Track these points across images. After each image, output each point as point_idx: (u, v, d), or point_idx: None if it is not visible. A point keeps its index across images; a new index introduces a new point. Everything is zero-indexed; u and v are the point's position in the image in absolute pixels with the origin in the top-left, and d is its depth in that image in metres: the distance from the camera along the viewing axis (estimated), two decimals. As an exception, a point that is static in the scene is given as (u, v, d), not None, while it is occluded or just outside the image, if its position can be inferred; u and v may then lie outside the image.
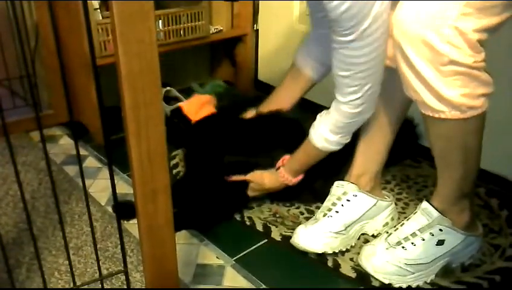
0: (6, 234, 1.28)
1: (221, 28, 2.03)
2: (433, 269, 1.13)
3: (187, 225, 1.33)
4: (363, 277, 1.15)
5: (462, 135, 1.02)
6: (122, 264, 0.92)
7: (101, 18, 1.64)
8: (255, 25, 2.13)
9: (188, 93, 1.91)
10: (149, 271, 0.93)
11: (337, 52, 1.06)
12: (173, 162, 1.63)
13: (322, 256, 1.21)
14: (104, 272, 1.16)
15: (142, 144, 0.79)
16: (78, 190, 1.48)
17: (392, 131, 1.23)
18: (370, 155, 1.27)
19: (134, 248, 1.24)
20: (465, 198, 1.12)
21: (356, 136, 1.24)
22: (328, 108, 1.19)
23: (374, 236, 1.28)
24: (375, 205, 1.27)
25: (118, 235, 1.15)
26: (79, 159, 0.83)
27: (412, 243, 1.11)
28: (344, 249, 1.23)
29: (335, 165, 1.33)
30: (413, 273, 1.11)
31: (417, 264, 1.11)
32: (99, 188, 1.51)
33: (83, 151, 1.72)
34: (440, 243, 1.11)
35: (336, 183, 1.28)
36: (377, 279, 1.13)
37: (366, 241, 1.27)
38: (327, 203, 1.27)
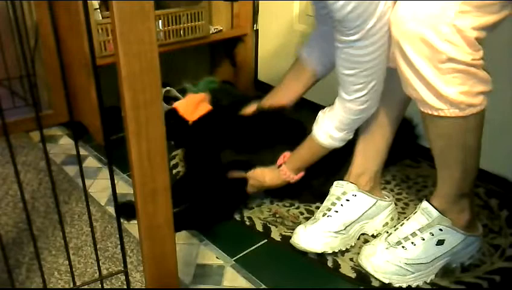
0: (6, 234, 1.28)
1: (221, 28, 2.03)
2: (433, 269, 1.13)
3: (187, 225, 1.33)
4: (363, 277, 1.15)
5: (462, 133, 1.02)
6: (122, 264, 0.92)
7: (101, 18, 1.64)
8: (254, 25, 2.12)
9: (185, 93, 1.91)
10: (149, 271, 0.93)
11: (341, 51, 1.06)
12: (173, 162, 1.63)
13: (322, 256, 1.21)
14: (104, 272, 1.16)
15: (142, 144, 0.79)
16: (78, 190, 1.48)
17: (391, 130, 1.23)
18: (369, 155, 1.27)
19: (134, 248, 1.24)
20: (465, 198, 1.12)
21: (356, 136, 1.24)
22: (324, 107, 1.19)
23: (373, 236, 1.28)
24: (374, 204, 1.27)
25: (117, 235, 1.15)
26: (79, 159, 0.83)
27: (412, 243, 1.12)
28: (344, 249, 1.23)
29: (336, 163, 1.32)
30: (413, 273, 1.11)
31: (417, 264, 1.11)
32: (99, 188, 1.51)
33: (82, 151, 1.72)
34: (440, 243, 1.11)
35: (335, 183, 1.28)
36: (377, 279, 1.13)
37: (366, 241, 1.27)
38: (326, 203, 1.27)
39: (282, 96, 1.40)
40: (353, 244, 1.25)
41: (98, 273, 1.03)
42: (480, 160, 1.09)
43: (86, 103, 1.69)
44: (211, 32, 1.95)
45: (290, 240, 1.24)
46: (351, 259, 1.21)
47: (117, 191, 0.85)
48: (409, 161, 1.63)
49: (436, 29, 0.91)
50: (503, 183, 1.47)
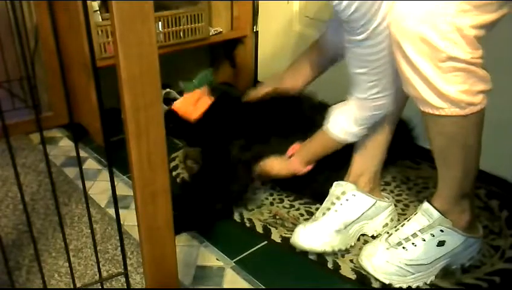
0: (6, 236, 1.28)
1: (221, 30, 2.03)
2: (433, 270, 1.13)
3: (188, 226, 1.33)
4: (363, 278, 1.15)
5: (462, 133, 1.02)
6: (122, 266, 0.92)
7: (100, 20, 1.64)
8: (254, 27, 2.13)
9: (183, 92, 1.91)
10: (149, 273, 0.93)
11: (351, 51, 1.07)
12: (173, 164, 1.63)
13: (322, 257, 1.21)
14: (104, 274, 1.16)
15: (142, 146, 0.79)
16: (78, 191, 1.48)
17: (389, 131, 1.23)
18: (368, 155, 1.27)
19: (134, 249, 1.24)
20: (465, 198, 1.12)
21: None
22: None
23: (373, 237, 1.28)
24: (374, 205, 1.27)
25: (117, 237, 1.15)
26: (79, 161, 0.83)
27: (413, 244, 1.12)
28: (344, 248, 1.23)
29: (336, 164, 1.32)
30: (414, 273, 1.11)
31: (417, 264, 1.11)
32: (99, 190, 1.51)
33: (82, 153, 1.72)
34: (441, 244, 1.11)
35: (335, 183, 1.28)
36: (377, 279, 1.13)
37: (366, 242, 1.27)
38: (326, 203, 1.27)
39: (295, 79, 1.39)
40: (353, 244, 1.25)
41: (98, 275, 1.03)
42: (480, 160, 1.09)
43: (86, 105, 1.69)
44: (210, 33, 1.96)
45: (290, 240, 1.24)
46: (351, 260, 1.21)
47: (117, 193, 0.85)
48: (409, 162, 1.63)
49: (436, 28, 0.91)
50: (504, 185, 1.47)
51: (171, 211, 0.88)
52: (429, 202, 1.13)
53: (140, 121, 0.77)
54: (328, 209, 1.25)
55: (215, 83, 2.05)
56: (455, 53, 0.92)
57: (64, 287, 1.12)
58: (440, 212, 1.11)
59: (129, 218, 1.35)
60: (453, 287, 1.12)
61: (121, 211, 0.89)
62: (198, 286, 1.15)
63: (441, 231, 1.11)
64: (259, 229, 1.32)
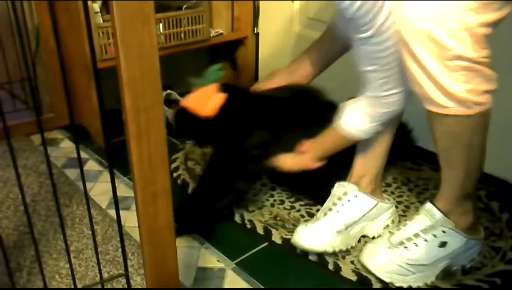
0: (7, 238, 1.28)
1: (222, 31, 2.03)
2: (434, 270, 1.13)
3: (190, 229, 1.32)
4: (363, 280, 1.15)
5: (467, 133, 1.02)
6: (123, 268, 0.92)
7: (101, 21, 1.64)
8: (255, 28, 2.13)
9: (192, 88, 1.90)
10: (150, 274, 0.93)
11: (359, 49, 1.06)
12: (173, 165, 1.63)
13: (323, 259, 1.21)
14: (105, 275, 1.16)
15: (142, 147, 0.79)
16: (79, 193, 1.48)
17: (391, 132, 1.23)
18: (370, 157, 1.27)
19: (135, 251, 1.24)
20: (468, 199, 1.12)
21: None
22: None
23: (374, 238, 1.28)
24: (375, 206, 1.27)
25: (118, 239, 1.15)
26: (80, 162, 0.83)
27: (415, 244, 1.12)
28: (344, 249, 1.23)
29: (337, 165, 1.32)
30: (415, 273, 1.11)
31: (419, 265, 1.11)
32: (100, 191, 1.51)
33: (83, 155, 1.72)
34: (442, 244, 1.11)
35: (337, 184, 1.28)
36: (378, 279, 1.13)
37: (367, 243, 1.27)
38: (328, 203, 1.27)
39: (306, 69, 1.38)
40: (354, 245, 1.25)
41: (98, 276, 1.03)
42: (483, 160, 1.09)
43: (87, 106, 1.70)
44: (211, 35, 1.96)
45: (291, 240, 1.24)
46: (352, 262, 1.21)
47: (118, 194, 0.85)
48: (410, 164, 1.63)
49: (444, 26, 0.91)
50: (504, 186, 1.47)
51: (171, 212, 0.88)
52: (432, 202, 1.13)
53: (141, 122, 0.77)
54: (330, 209, 1.25)
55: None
56: (463, 52, 0.92)
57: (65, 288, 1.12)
58: (443, 213, 1.11)
59: (130, 219, 1.35)
60: (453, 288, 1.12)
61: (121, 212, 0.89)
62: (199, 287, 1.15)
63: (443, 231, 1.11)
64: (260, 230, 1.32)
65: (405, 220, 1.20)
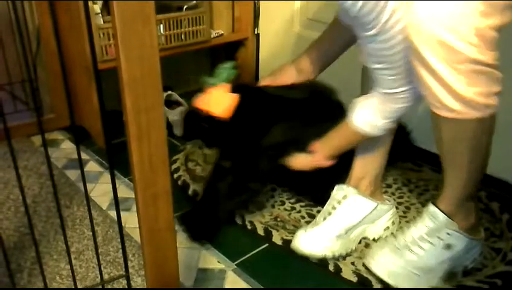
0: (8, 239, 1.28)
1: (222, 32, 2.03)
2: (439, 273, 1.12)
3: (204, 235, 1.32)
4: (364, 281, 1.15)
5: (475, 135, 1.01)
6: (124, 269, 0.92)
7: (102, 22, 1.64)
8: (255, 29, 2.13)
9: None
10: (150, 275, 0.93)
11: (366, 47, 1.05)
12: (174, 166, 1.63)
13: (324, 260, 1.21)
14: (106, 276, 1.16)
15: (143, 149, 0.79)
16: (80, 194, 1.49)
17: (390, 134, 1.23)
18: (369, 159, 1.27)
19: (136, 252, 1.24)
20: (470, 200, 1.12)
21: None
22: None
23: (374, 240, 1.28)
24: (375, 208, 1.26)
25: (119, 240, 1.15)
26: (80, 164, 0.83)
27: (420, 247, 1.11)
28: (344, 253, 1.23)
29: (337, 167, 1.31)
30: (420, 276, 1.11)
31: (424, 267, 1.11)
32: (101, 192, 1.51)
33: (84, 156, 1.72)
34: (447, 247, 1.11)
35: (337, 187, 1.28)
36: (379, 280, 1.13)
37: (367, 245, 1.27)
38: (327, 206, 1.27)
39: (315, 61, 1.36)
40: (354, 248, 1.25)
41: (99, 277, 1.03)
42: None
43: (88, 107, 1.70)
44: (212, 36, 1.96)
45: (291, 245, 1.24)
46: (353, 263, 1.21)
47: (118, 195, 0.85)
48: (411, 165, 1.63)
49: (455, 30, 0.90)
50: (505, 187, 1.47)
51: (172, 213, 0.88)
52: (434, 204, 1.13)
53: (141, 123, 0.77)
54: (329, 213, 1.25)
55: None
56: (474, 55, 0.91)
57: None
58: (446, 215, 1.11)
59: (130, 220, 1.35)
60: (454, 289, 1.12)
61: (122, 213, 0.89)
62: (199, 288, 1.15)
63: (448, 233, 1.11)
64: (261, 231, 1.32)
65: (406, 221, 1.20)
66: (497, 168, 1.45)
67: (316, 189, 1.41)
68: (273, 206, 1.43)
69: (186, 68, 2.20)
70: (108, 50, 1.65)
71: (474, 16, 0.90)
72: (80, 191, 1.50)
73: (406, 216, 1.38)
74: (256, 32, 2.14)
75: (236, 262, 1.23)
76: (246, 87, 1.35)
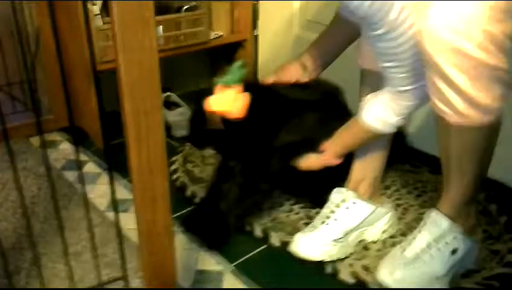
0: (6, 240, 1.28)
1: (221, 34, 2.03)
2: (447, 278, 1.12)
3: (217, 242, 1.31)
4: (361, 283, 1.15)
5: (486, 140, 1.01)
6: (122, 270, 0.92)
7: (101, 23, 1.64)
8: (255, 31, 2.13)
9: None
10: (148, 277, 0.93)
11: (375, 46, 1.05)
12: (172, 167, 1.63)
13: (321, 262, 1.21)
14: (104, 278, 1.15)
15: (142, 150, 0.79)
16: (78, 195, 1.48)
17: (389, 136, 1.23)
18: (368, 161, 1.27)
19: (134, 253, 1.23)
20: (471, 202, 1.12)
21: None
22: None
23: (373, 242, 1.28)
24: (374, 211, 1.26)
25: (117, 241, 1.15)
26: (79, 165, 0.83)
27: (430, 255, 1.10)
28: (343, 257, 1.22)
29: (336, 169, 1.31)
30: (435, 285, 1.10)
31: (438, 275, 1.10)
32: (99, 193, 1.51)
33: (82, 157, 1.71)
34: (454, 251, 1.10)
35: (335, 190, 1.28)
36: (376, 284, 1.13)
37: (365, 247, 1.27)
38: (326, 210, 1.27)
39: (319, 57, 1.35)
40: (352, 251, 1.25)
41: (97, 279, 1.03)
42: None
43: (86, 108, 1.70)
44: (211, 37, 1.96)
45: (289, 248, 1.24)
46: (350, 265, 1.21)
47: (117, 197, 0.85)
48: (409, 166, 1.64)
49: (468, 36, 0.89)
50: (503, 189, 1.47)
51: (170, 216, 0.88)
52: (437, 208, 1.13)
53: (140, 125, 0.77)
54: (328, 217, 1.24)
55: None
56: (488, 61, 0.90)
57: (64, 290, 1.12)
58: (449, 218, 1.11)
59: (129, 222, 1.34)
60: (452, 292, 1.12)
61: (120, 215, 0.89)
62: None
63: (454, 237, 1.10)
64: (259, 233, 1.32)
65: (404, 223, 1.20)
66: (496, 171, 1.44)
67: (314, 191, 1.41)
68: (271, 208, 1.43)
69: (185, 69, 2.20)
70: (107, 51, 1.65)
71: (487, 22, 0.89)
72: (78, 192, 1.50)
73: (404, 218, 1.38)
74: (255, 34, 2.14)
75: (234, 264, 1.23)
76: (256, 87, 1.33)
